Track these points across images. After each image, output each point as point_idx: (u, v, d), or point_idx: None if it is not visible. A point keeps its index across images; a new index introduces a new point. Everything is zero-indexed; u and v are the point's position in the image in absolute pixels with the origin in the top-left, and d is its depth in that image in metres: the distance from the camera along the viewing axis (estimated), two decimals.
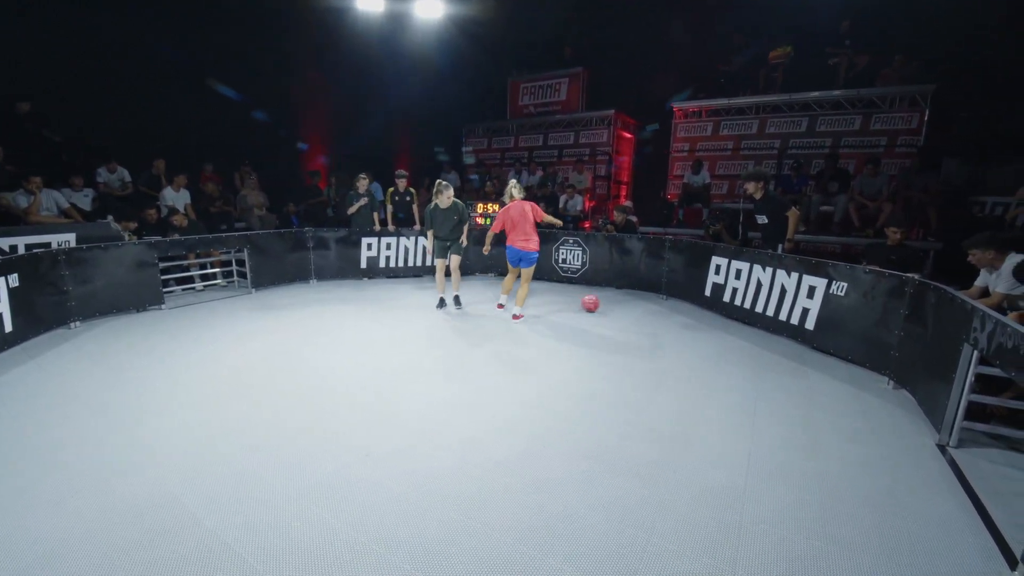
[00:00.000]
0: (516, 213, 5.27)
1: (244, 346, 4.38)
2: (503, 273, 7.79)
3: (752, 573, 1.85)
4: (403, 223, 7.71)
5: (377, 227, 7.40)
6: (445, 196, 5.34)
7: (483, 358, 4.18)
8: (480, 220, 9.13)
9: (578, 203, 9.60)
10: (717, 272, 5.69)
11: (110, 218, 5.87)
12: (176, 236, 6.14)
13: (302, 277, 7.23)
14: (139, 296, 5.47)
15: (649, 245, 6.80)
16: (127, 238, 5.74)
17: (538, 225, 5.35)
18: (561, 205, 9.46)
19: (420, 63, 11.45)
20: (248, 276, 6.55)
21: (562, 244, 7.49)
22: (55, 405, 3.16)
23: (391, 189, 7.55)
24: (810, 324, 4.47)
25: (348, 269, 7.47)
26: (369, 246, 7.46)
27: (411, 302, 6.17)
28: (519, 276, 5.52)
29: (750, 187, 5.38)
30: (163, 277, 5.73)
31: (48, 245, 5.20)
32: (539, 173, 10.94)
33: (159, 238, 5.87)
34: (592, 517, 2.13)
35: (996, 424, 2.95)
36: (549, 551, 1.92)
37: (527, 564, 1.86)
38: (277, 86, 10.52)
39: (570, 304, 6.11)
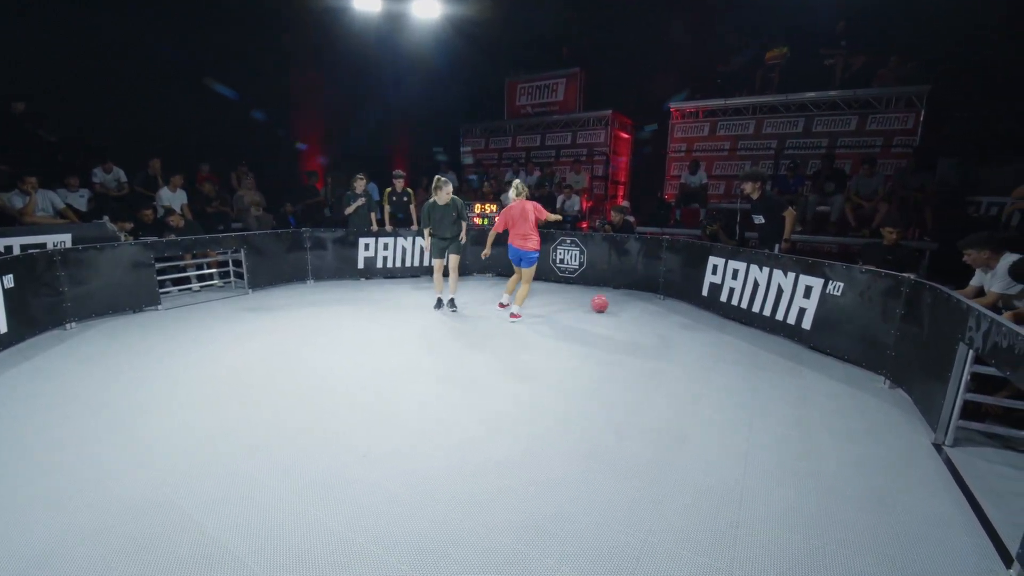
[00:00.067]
0: (516, 212, 5.29)
1: (242, 346, 4.37)
2: (502, 273, 7.81)
3: (749, 573, 1.86)
4: (401, 223, 7.69)
5: (375, 227, 7.40)
6: (444, 192, 5.34)
7: (482, 358, 4.18)
8: (477, 221, 9.11)
9: (575, 203, 9.61)
10: (714, 272, 5.71)
11: (106, 218, 5.83)
12: (172, 236, 6.11)
13: (299, 277, 7.21)
14: (135, 297, 5.45)
15: (646, 245, 6.81)
16: (123, 239, 5.71)
17: (539, 224, 5.35)
18: (558, 205, 9.48)
19: (417, 63, 11.44)
20: (245, 276, 6.52)
21: (560, 244, 7.50)
22: (53, 406, 3.14)
23: (388, 189, 7.54)
24: (807, 324, 4.49)
25: (345, 269, 7.45)
26: (366, 246, 7.45)
27: (409, 302, 6.16)
28: None
29: (747, 187, 5.41)
30: (159, 278, 5.70)
31: (44, 246, 5.17)
32: (536, 173, 10.95)
33: (155, 238, 5.84)
34: (589, 517, 2.13)
35: (991, 423, 2.97)
36: (547, 551, 1.93)
37: (526, 564, 1.86)
38: (275, 86, 10.51)
39: (568, 304, 6.12)
